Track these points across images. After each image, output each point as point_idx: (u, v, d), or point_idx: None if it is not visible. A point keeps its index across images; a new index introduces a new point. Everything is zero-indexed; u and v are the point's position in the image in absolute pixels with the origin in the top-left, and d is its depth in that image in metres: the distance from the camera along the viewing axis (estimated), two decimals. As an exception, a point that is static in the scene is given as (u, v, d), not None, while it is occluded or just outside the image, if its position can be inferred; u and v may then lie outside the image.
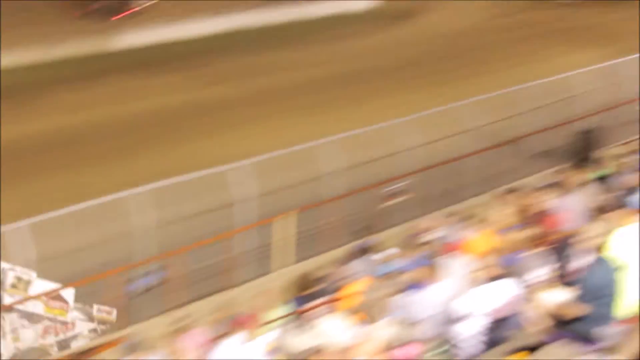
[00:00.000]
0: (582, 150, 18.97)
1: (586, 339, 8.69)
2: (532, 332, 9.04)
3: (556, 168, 16.49)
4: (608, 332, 8.75)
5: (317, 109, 26.20)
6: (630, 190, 12.20)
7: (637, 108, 20.67)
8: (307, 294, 10.91)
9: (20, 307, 12.81)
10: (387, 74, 29.79)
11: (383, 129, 18.53)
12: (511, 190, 14.02)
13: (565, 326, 8.84)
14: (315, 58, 31.85)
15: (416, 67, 30.56)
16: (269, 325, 9.82)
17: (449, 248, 10.81)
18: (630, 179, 12.77)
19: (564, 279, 9.49)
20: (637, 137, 19.06)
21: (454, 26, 36.41)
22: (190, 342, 9.82)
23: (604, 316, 8.73)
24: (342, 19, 36.78)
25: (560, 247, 10.24)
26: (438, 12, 38.24)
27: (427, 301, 9.59)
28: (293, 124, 24.37)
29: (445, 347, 9.17)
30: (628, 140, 19.06)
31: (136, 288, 13.95)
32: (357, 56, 32.25)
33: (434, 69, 30.34)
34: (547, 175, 16.10)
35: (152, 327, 11.50)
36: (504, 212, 11.25)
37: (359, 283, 10.77)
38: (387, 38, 34.85)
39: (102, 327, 13.48)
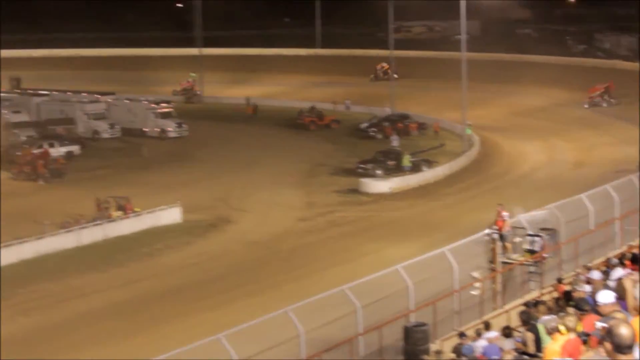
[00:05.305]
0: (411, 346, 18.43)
1: None
2: None
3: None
4: None
5: (140, 330, 25.40)
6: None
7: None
8: None
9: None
10: (203, 288, 28.84)
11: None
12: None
13: None
14: (128, 276, 30.57)
15: (234, 276, 29.93)
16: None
17: None
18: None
19: None
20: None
21: (265, 232, 36.13)
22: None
23: None
24: (151, 234, 35.75)
25: None
26: (246, 220, 37.94)
27: None
28: (116, 352, 23.29)
29: None
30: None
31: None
32: (171, 272, 31.19)
33: (253, 277, 29.78)
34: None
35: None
36: None
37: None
38: (198, 250, 34.03)
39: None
